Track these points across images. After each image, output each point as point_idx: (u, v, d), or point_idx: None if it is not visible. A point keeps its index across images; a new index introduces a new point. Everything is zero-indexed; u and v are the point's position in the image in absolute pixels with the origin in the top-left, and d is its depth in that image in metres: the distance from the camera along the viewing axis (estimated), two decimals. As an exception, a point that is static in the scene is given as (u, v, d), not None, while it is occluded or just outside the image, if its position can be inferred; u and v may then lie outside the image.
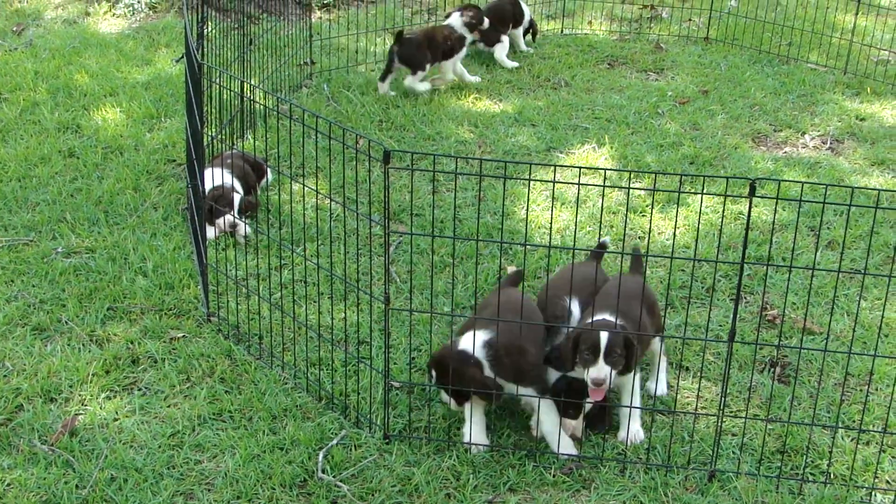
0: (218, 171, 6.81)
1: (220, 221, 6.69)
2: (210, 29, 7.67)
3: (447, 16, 9.70)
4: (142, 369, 5.56)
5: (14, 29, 10.93)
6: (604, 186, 4.64)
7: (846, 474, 4.91)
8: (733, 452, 5.02)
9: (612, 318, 4.86)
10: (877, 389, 5.52)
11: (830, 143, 8.59)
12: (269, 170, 7.35)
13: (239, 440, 5.02)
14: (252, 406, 5.27)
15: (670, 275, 5.75)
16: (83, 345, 5.72)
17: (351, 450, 5.00)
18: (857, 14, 10.53)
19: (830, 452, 4.97)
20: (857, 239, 6.98)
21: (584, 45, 10.82)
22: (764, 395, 5.44)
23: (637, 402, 5.05)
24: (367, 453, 4.98)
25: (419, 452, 5.00)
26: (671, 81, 9.88)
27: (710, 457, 4.94)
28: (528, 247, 6.53)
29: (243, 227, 6.77)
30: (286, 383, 5.45)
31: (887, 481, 4.91)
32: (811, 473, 4.93)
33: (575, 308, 5.23)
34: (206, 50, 7.14)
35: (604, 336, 4.74)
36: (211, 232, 6.65)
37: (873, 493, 4.83)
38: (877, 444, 5.09)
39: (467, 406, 5.02)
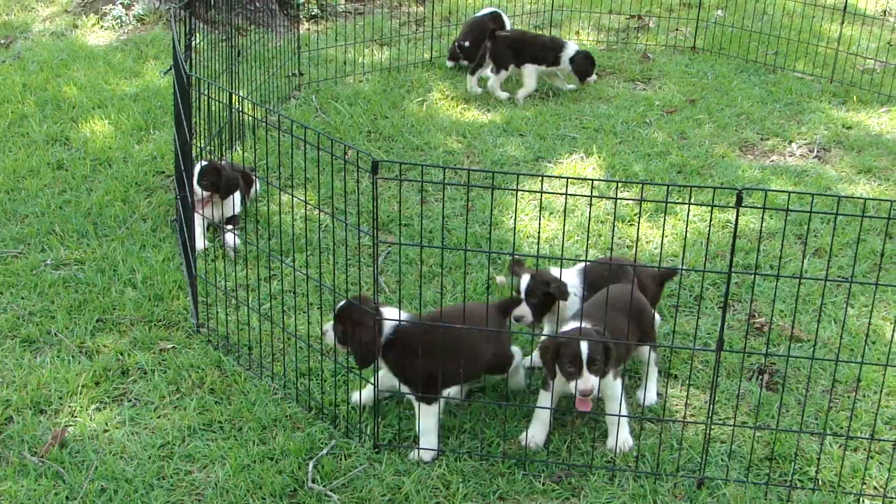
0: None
1: (197, 189, 6.68)
2: (198, 41, 7.69)
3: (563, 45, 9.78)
4: (131, 380, 5.56)
5: (2, 42, 10.93)
6: (591, 196, 4.66)
7: (834, 481, 4.93)
8: (722, 460, 5.04)
9: (586, 325, 4.88)
10: (864, 396, 5.54)
11: (817, 152, 8.63)
12: (257, 180, 7.36)
13: (229, 450, 5.02)
14: (242, 416, 5.27)
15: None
16: (73, 356, 5.72)
17: (341, 459, 5.01)
18: (842, 23, 10.59)
19: (818, 459, 4.99)
20: (843, 247, 7.02)
21: (572, 55, 10.85)
22: (752, 403, 5.46)
23: (624, 409, 5.07)
24: (356, 463, 4.99)
25: (409, 462, 5.01)
26: (658, 91, 9.92)
27: (698, 464, 4.95)
28: (516, 256, 6.55)
29: (232, 238, 6.78)
30: (276, 394, 5.45)
31: (875, 487, 4.93)
32: (799, 480, 4.94)
33: None
34: (194, 62, 7.15)
35: (584, 346, 4.76)
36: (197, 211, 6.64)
37: (861, 500, 4.85)
38: (864, 450, 5.11)
39: (427, 410, 5.05)
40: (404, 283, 6.42)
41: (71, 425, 5.20)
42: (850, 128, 9.12)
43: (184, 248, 6.44)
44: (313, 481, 4.86)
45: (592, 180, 4.54)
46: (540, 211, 5.20)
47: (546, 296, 5.42)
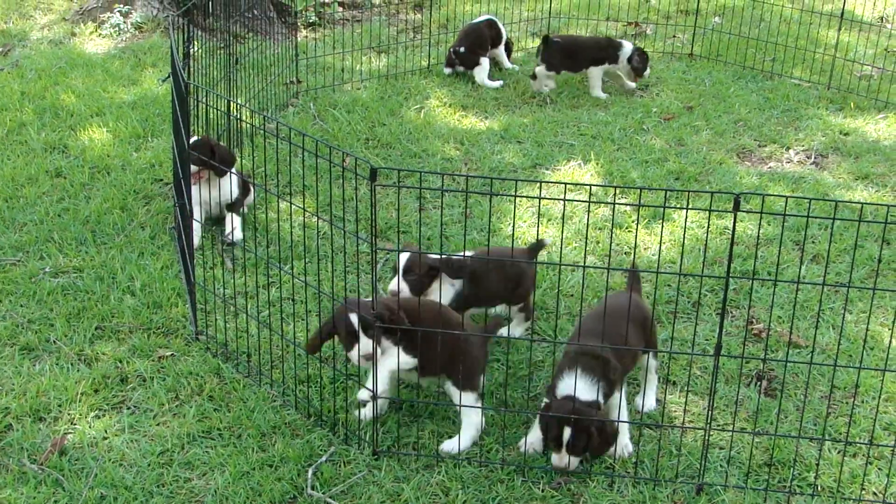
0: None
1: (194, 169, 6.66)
2: (196, 48, 7.70)
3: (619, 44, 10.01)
4: (130, 388, 5.56)
5: (0, 50, 10.94)
6: (589, 202, 4.67)
7: (833, 486, 4.93)
8: (721, 466, 5.04)
9: (581, 393, 4.85)
10: (862, 402, 5.55)
11: (815, 158, 8.65)
12: (252, 187, 7.33)
13: (228, 458, 5.02)
14: (241, 424, 5.27)
15: (656, 290, 5.78)
16: (72, 364, 5.72)
17: (340, 466, 5.01)
18: (840, 30, 10.61)
19: (817, 465, 5.00)
20: (841, 252, 7.03)
21: (569, 62, 10.87)
22: (751, 409, 5.46)
23: (625, 416, 5.07)
24: (356, 469, 4.99)
25: (408, 468, 5.01)
26: (656, 98, 9.93)
27: (697, 470, 4.96)
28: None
29: (231, 226, 6.79)
30: (275, 401, 5.46)
31: (874, 493, 4.94)
32: (798, 486, 4.95)
33: None
34: (192, 69, 7.16)
35: (567, 430, 4.80)
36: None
37: (860, 505, 4.86)
38: (863, 456, 5.12)
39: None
40: (403, 290, 6.42)
41: (70, 433, 5.20)
42: (848, 134, 9.13)
43: (182, 255, 6.44)
44: (312, 488, 4.86)
45: (590, 186, 4.54)
46: (538, 217, 5.22)
47: (425, 276, 5.63)
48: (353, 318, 4.91)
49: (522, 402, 5.47)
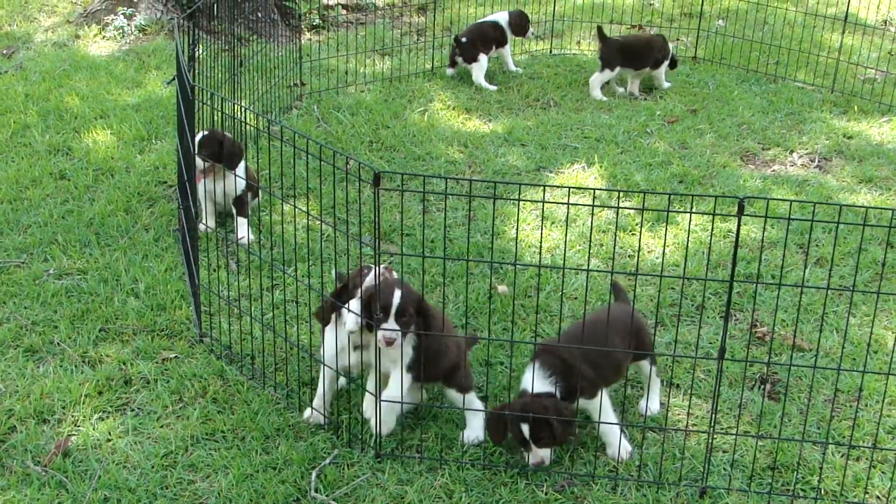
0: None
1: (198, 161, 6.68)
2: (200, 51, 7.71)
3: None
4: (134, 390, 5.57)
5: (4, 52, 10.95)
6: (593, 206, 4.67)
7: (837, 490, 4.93)
8: (724, 469, 5.04)
9: (536, 387, 4.90)
10: (866, 405, 5.55)
11: (818, 161, 8.64)
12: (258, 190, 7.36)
13: (232, 460, 5.03)
14: (245, 426, 5.28)
15: (660, 293, 5.77)
16: (75, 366, 5.72)
17: (343, 469, 5.01)
18: (843, 33, 10.61)
19: (821, 468, 4.99)
20: (845, 256, 7.02)
21: (573, 65, 10.89)
22: (754, 412, 5.46)
23: (614, 418, 5.07)
24: (359, 472, 4.99)
25: (411, 471, 5.01)
26: (660, 101, 9.94)
27: (701, 473, 4.95)
28: (518, 266, 6.56)
29: (246, 229, 6.83)
30: (279, 403, 5.46)
31: (877, 496, 4.94)
32: (802, 489, 4.95)
33: None
34: (196, 72, 7.17)
35: (525, 427, 4.83)
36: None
37: (864, 509, 4.86)
38: (867, 459, 5.11)
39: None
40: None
41: (74, 435, 5.20)
42: (851, 137, 9.13)
43: (186, 257, 6.44)
44: (316, 491, 4.86)
45: (594, 189, 4.54)
46: (542, 220, 5.22)
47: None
48: (398, 293, 4.88)
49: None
